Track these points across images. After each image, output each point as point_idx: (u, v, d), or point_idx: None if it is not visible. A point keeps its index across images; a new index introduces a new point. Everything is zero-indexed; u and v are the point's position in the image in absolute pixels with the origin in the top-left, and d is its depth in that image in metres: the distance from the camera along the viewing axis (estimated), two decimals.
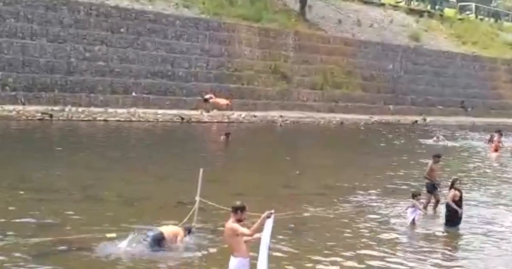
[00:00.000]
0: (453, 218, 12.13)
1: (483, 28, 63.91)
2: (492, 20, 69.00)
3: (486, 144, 30.31)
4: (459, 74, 53.19)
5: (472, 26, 61.95)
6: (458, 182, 12.36)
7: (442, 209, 13.22)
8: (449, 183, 12.59)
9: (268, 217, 7.09)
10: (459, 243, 11.74)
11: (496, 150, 27.41)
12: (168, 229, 9.65)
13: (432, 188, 13.60)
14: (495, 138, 28.59)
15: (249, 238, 7.34)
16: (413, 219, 12.17)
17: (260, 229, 7.18)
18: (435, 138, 31.26)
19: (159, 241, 9.37)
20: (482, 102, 53.56)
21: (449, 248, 11.36)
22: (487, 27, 65.09)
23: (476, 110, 51.57)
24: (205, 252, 9.60)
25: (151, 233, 9.45)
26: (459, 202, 12.08)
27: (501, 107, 55.00)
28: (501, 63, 57.87)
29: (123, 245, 9.37)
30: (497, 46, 60.71)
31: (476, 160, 25.26)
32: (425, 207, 13.28)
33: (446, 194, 12.65)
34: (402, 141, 31.54)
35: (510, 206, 15.08)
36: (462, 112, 51.10)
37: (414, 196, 12.46)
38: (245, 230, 7.21)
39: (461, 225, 12.26)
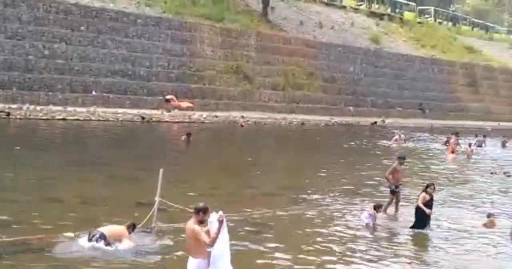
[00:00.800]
0: (421, 221, 12.22)
1: (442, 32, 65.27)
2: (450, 24, 70.45)
3: (443, 145, 30.91)
4: (418, 77, 54.17)
5: (431, 30, 63.21)
6: (432, 187, 12.47)
7: (404, 210, 13.54)
8: (423, 186, 12.77)
9: (221, 221, 7.09)
10: (422, 243, 11.87)
11: (452, 152, 27.94)
12: (110, 229, 9.54)
13: (395, 189, 13.77)
14: (452, 140, 29.16)
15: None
16: (367, 224, 12.29)
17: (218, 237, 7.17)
18: (396, 137, 31.75)
19: (103, 241, 9.26)
20: (440, 104, 54.67)
21: (412, 248, 11.47)
22: (445, 31, 66.49)
23: (434, 113, 52.63)
24: (165, 252, 9.55)
25: (94, 233, 9.34)
26: (427, 206, 12.18)
27: (459, 110, 56.28)
28: (459, 66, 59.14)
29: (80, 244, 9.27)
30: (455, 49, 62.07)
31: (434, 161, 25.75)
32: (385, 209, 13.50)
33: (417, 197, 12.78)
34: (362, 142, 31.94)
35: (471, 206, 15.41)
36: (420, 114, 52.04)
37: (376, 208, 12.57)
38: (206, 239, 7.19)
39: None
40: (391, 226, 12.80)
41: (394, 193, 13.70)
